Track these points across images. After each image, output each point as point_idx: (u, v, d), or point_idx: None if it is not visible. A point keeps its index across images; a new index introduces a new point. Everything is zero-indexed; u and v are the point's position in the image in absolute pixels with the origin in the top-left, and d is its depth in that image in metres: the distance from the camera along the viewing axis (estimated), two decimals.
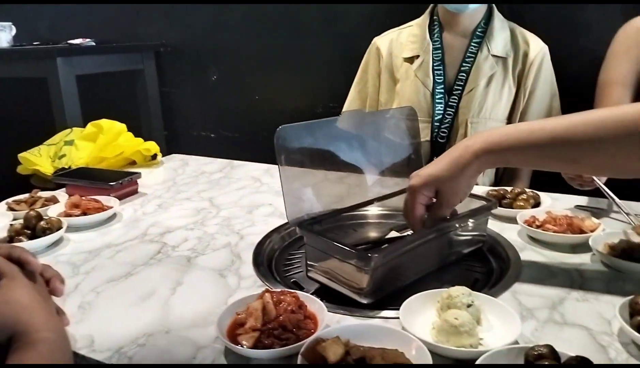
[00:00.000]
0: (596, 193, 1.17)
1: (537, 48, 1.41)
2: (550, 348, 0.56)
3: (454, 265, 0.90)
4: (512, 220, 0.98)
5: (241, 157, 1.59)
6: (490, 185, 1.39)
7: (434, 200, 0.81)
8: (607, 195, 1.02)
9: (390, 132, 1.02)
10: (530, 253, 0.89)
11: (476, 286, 0.83)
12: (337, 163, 0.91)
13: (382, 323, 0.68)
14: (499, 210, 1.04)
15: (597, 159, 0.72)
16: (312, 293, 0.81)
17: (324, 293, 0.79)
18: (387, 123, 1.03)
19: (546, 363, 0.52)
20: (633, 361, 0.60)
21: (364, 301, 0.76)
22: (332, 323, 0.69)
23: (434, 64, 1.41)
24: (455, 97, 1.38)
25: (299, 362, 0.57)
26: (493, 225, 1.01)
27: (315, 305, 0.69)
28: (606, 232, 0.89)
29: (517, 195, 1.08)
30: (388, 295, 0.76)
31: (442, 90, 1.38)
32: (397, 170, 1.01)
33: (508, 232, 0.98)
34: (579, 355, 0.54)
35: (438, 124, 1.40)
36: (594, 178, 1.04)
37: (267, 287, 0.78)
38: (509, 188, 1.11)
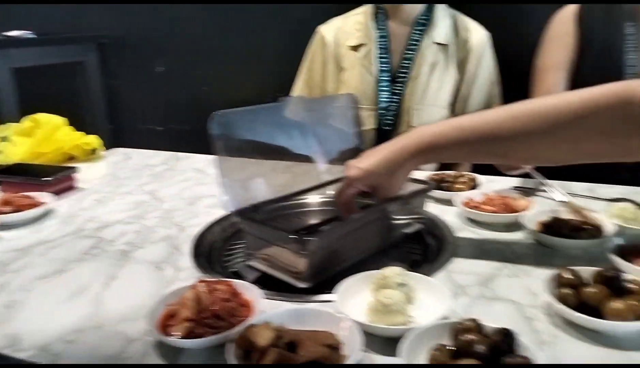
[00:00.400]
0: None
1: (478, 35, 1.44)
2: (475, 322, 0.57)
3: (394, 247, 0.91)
4: (451, 202, 1.00)
5: (189, 149, 1.56)
6: (435, 170, 1.41)
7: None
8: (537, 178, 1.06)
9: (333, 119, 1.02)
10: (466, 233, 0.91)
11: (414, 266, 0.85)
12: (279, 151, 0.91)
13: (318, 306, 0.68)
14: (439, 193, 1.06)
15: (525, 152, 0.76)
16: (252, 282, 0.81)
17: (265, 282, 0.79)
18: (329, 110, 1.03)
19: (470, 336, 0.54)
20: (557, 332, 0.62)
21: (304, 285, 0.76)
22: (269, 309, 0.68)
23: (379, 52, 1.42)
24: (400, 85, 1.39)
25: (229, 349, 0.56)
26: (433, 208, 1.03)
27: (250, 292, 0.69)
28: (537, 210, 0.92)
29: (456, 178, 1.10)
30: (328, 278, 0.76)
31: (387, 78, 1.39)
32: (341, 158, 1.01)
33: (447, 214, 1.00)
34: (503, 327, 0.56)
35: (383, 111, 1.41)
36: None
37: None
38: (449, 172, 1.14)
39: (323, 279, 0.76)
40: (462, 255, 0.83)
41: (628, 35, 1.30)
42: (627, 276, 0.66)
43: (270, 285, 0.77)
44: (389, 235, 0.90)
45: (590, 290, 0.63)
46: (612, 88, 0.68)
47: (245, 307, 0.67)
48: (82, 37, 2.31)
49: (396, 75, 1.40)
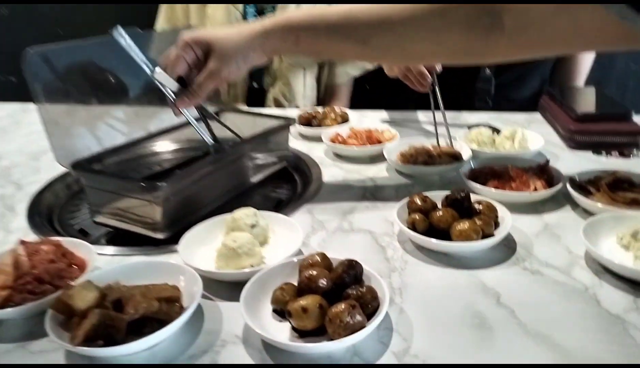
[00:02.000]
0: (407, 106, 1.22)
1: None
2: (322, 255, 0.55)
3: (259, 187, 0.86)
4: (320, 138, 0.96)
5: None
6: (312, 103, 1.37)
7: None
8: (436, 103, 0.95)
9: None
10: (332, 169, 0.89)
11: (279, 206, 0.81)
12: (112, 92, 0.80)
13: (157, 258, 0.63)
14: (307, 130, 1.03)
15: (385, 39, 0.69)
16: (105, 239, 0.73)
17: (120, 237, 0.72)
18: (169, 45, 0.92)
19: (313, 271, 0.51)
20: (408, 257, 0.61)
21: (160, 236, 0.69)
22: (113, 265, 0.62)
23: None
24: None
25: (48, 316, 0.49)
26: (302, 146, 0.99)
27: (83, 250, 0.61)
28: (399, 141, 0.91)
29: (326, 114, 1.07)
30: (188, 226, 0.70)
31: (254, 11, 1.31)
32: None
33: (315, 150, 0.97)
34: (349, 258, 0.53)
35: None
36: (429, 81, 0.95)
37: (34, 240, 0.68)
38: (320, 109, 1.10)
39: (182, 228, 0.70)
40: (326, 190, 0.81)
41: None
42: (476, 197, 0.67)
43: (127, 239, 0.70)
44: (251, 175, 0.85)
45: (438, 213, 0.63)
46: None
47: (77, 266, 0.59)
48: None
49: (263, 8, 1.32)
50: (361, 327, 0.46)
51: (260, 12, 1.31)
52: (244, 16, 1.31)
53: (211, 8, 1.33)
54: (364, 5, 0.69)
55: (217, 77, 0.71)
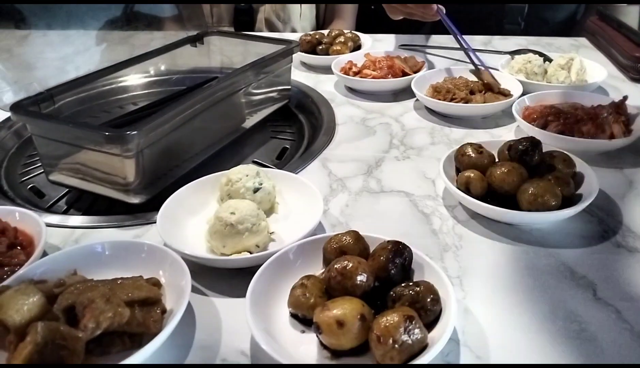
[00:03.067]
0: (426, 30, 1.03)
1: None
2: (355, 236, 0.40)
3: (256, 132, 0.70)
4: (329, 69, 0.79)
5: None
6: (312, 30, 1.17)
7: None
8: (449, 30, 0.81)
9: None
10: (347, 108, 0.72)
11: (282, 157, 0.65)
12: (68, 13, 0.62)
13: (138, 231, 0.48)
14: (312, 58, 0.85)
15: None
16: (63, 202, 0.58)
17: (84, 199, 0.57)
18: None
19: (351, 263, 0.36)
20: (462, 230, 0.47)
21: (134, 201, 0.54)
22: (67, 244, 0.46)
23: None
24: None
25: None
26: (306, 78, 0.82)
27: (30, 222, 0.45)
28: (430, 71, 0.74)
29: (334, 38, 0.88)
30: (170, 187, 0.54)
31: None
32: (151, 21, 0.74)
33: (324, 84, 0.80)
34: (394, 240, 0.39)
35: None
36: (439, 8, 0.81)
37: None
38: (325, 32, 0.91)
39: (163, 188, 0.55)
40: (343, 137, 0.65)
41: None
42: (545, 146, 0.52)
43: (95, 203, 0.55)
44: (246, 116, 0.68)
45: (500, 170, 0.47)
46: None
47: (22, 247, 0.44)
48: None
49: None
50: (422, 347, 0.32)
51: None
52: None
53: None
54: None
55: None
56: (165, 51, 0.72)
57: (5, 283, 0.38)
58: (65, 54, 0.66)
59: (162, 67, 0.77)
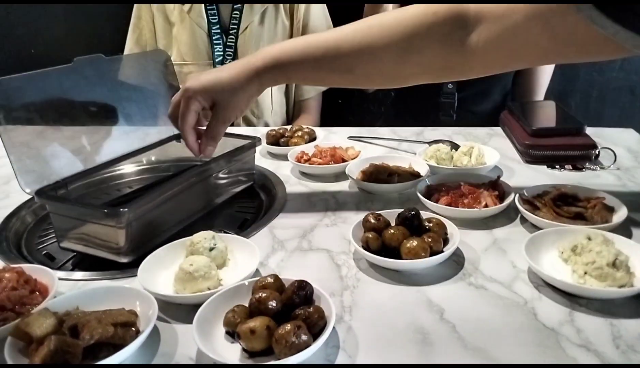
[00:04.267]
0: (373, 123, 1.25)
1: None
2: (275, 277, 0.57)
3: (225, 207, 0.88)
4: (287, 157, 0.99)
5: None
6: (282, 124, 1.40)
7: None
8: None
9: (142, 78, 0.94)
10: (296, 187, 0.91)
11: (243, 226, 0.83)
12: (77, 117, 0.82)
13: (117, 283, 0.65)
14: (275, 149, 1.05)
15: (369, 67, 0.73)
16: (69, 263, 0.75)
17: (87, 260, 0.74)
18: (135, 68, 0.94)
19: (263, 293, 0.53)
20: (361, 275, 0.64)
21: (124, 260, 0.71)
22: (74, 291, 0.63)
23: (207, 5, 1.34)
24: (232, 37, 1.34)
25: (7, 343, 0.51)
26: (269, 164, 1.02)
27: (46, 276, 0.63)
28: (362, 158, 0.94)
29: (294, 133, 1.09)
30: (153, 249, 0.72)
31: (219, 31, 1.33)
32: (151, 120, 0.95)
33: (282, 169, 0.99)
34: (300, 279, 0.56)
35: (220, 66, 1.35)
36: None
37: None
38: (288, 127, 1.13)
39: (147, 251, 0.72)
40: (290, 209, 0.83)
41: None
42: (428, 214, 0.70)
43: (93, 263, 0.72)
44: (217, 195, 0.87)
45: (389, 231, 0.65)
46: None
47: (39, 293, 0.61)
48: None
49: (228, 27, 1.35)
50: (306, 346, 0.49)
51: (226, 32, 1.34)
52: (209, 35, 1.34)
53: (176, 29, 1.36)
54: (344, 32, 0.74)
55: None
56: (156, 146, 0.93)
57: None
58: (75, 147, 0.85)
59: (153, 158, 0.97)
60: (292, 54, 0.74)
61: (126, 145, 0.88)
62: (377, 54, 0.72)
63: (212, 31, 1.32)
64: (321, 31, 1.41)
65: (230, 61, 1.34)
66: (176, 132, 0.95)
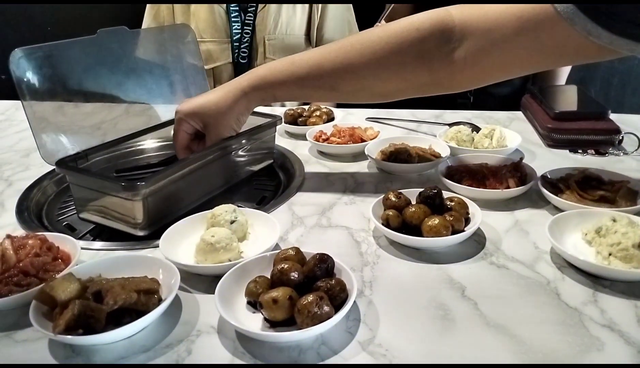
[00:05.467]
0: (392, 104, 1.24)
1: None
2: (296, 250, 0.57)
3: (243, 185, 0.88)
4: (305, 137, 0.98)
5: None
6: (298, 104, 1.39)
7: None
8: None
9: (163, 53, 0.94)
10: (315, 166, 0.91)
11: (263, 202, 0.83)
12: (99, 90, 0.82)
13: (139, 253, 0.65)
14: (293, 128, 1.05)
15: (352, 84, 0.74)
16: (89, 234, 0.75)
17: (105, 232, 0.74)
18: (157, 43, 0.94)
19: (285, 265, 0.53)
20: (381, 252, 0.64)
21: (141, 234, 0.71)
22: (96, 259, 0.64)
23: None
24: (251, 15, 1.33)
25: (32, 307, 0.51)
26: (287, 143, 1.02)
27: (68, 244, 0.63)
28: (381, 139, 0.94)
29: (312, 112, 1.09)
30: (169, 224, 0.72)
31: (237, 8, 1.33)
32: (173, 96, 0.95)
33: (300, 148, 0.99)
34: (322, 252, 0.56)
35: (237, 43, 1.35)
36: None
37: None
38: (306, 107, 1.12)
39: (164, 225, 0.72)
40: (308, 187, 0.83)
41: None
42: (449, 194, 0.70)
43: (111, 234, 0.72)
44: (236, 172, 0.87)
45: (410, 209, 0.65)
46: (432, 13, 0.69)
47: (62, 260, 0.62)
48: None
49: (247, 5, 1.34)
50: (328, 317, 0.49)
51: (244, 10, 1.33)
52: (227, 12, 1.33)
53: (195, 6, 1.35)
54: (327, 51, 0.74)
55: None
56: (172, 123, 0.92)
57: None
58: (97, 121, 0.86)
59: (171, 134, 0.97)
60: (277, 73, 0.75)
61: (147, 119, 0.88)
62: (358, 73, 0.72)
63: (231, 8, 1.32)
64: (341, 13, 1.41)
65: (247, 39, 1.34)
66: None
